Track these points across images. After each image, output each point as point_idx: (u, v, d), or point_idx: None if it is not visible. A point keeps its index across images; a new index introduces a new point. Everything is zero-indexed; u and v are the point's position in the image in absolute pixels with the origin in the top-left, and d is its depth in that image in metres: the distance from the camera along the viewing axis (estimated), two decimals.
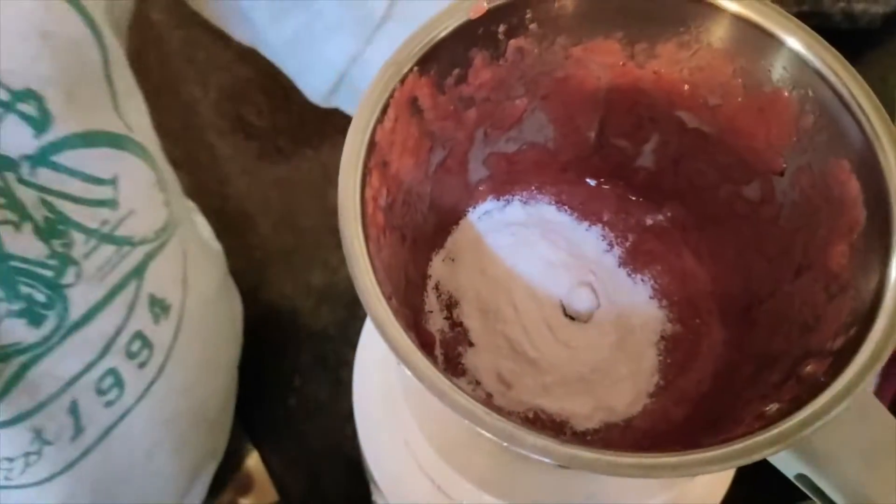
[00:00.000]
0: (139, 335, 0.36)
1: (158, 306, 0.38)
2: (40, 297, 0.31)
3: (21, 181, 0.28)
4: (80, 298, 0.32)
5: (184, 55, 0.68)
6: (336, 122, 0.64)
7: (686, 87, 0.28)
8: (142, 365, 0.37)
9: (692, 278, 0.31)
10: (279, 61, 0.42)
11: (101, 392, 0.35)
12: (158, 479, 0.43)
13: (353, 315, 0.57)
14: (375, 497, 0.41)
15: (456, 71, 0.27)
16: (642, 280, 0.32)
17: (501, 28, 0.27)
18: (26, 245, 0.29)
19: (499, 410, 0.29)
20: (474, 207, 0.33)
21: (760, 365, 0.27)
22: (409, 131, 0.27)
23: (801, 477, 0.22)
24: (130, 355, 0.36)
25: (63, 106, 0.29)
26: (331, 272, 0.59)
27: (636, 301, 0.31)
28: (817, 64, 0.24)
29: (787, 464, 0.22)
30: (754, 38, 0.25)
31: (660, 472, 0.20)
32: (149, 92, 0.68)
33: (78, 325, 0.33)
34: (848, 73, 0.23)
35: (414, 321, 0.30)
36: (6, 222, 0.28)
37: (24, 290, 0.30)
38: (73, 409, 0.35)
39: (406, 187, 0.28)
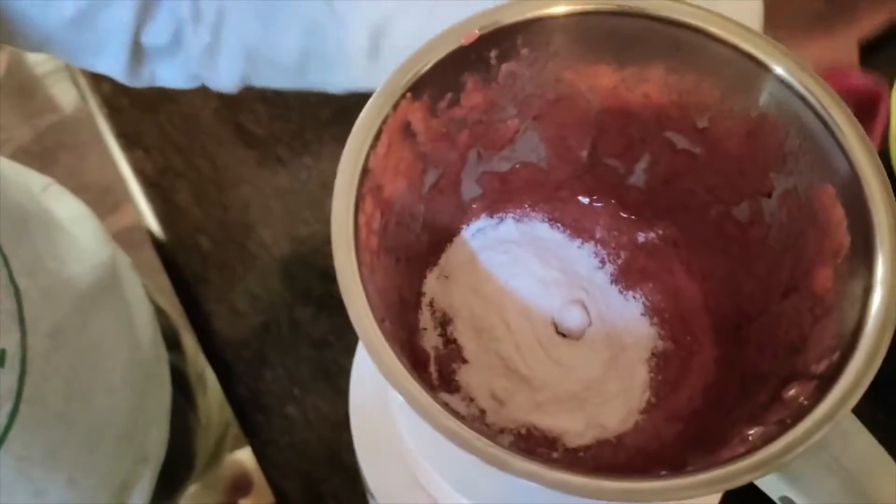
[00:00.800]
0: None
1: None
2: None
3: None
4: None
5: None
6: (333, 132, 0.65)
7: (675, 109, 0.28)
8: None
9: (683, 296, 0.32)
10: (74, 55, 0.38)
11: None
12: None
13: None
14: None
15: (448, 95, 0.27)
16: (634, 297, 0.32)
17: (493, 53, 0.27)
18: None
19: (491, 428, 0.30)
20: (468, 225, 0.33)
21: (749, 384, 0.27)
22: (402, 155, 0.27)
23: (785, 499, 0.22)
24: None
25: None
26: (330, 281, 0.59)
27: (628, 318, 0.32)
28: (802, 91, 0.24)
29: (772, 486, 0.22)
30: (742, 65, 0.25)
31: (646, 496, 0.20)
32: (150, 102, 0.68)
33: None
34: (832, 100, 0.24)
35: (408, 339, 0.31)
36: None
37: None
38: None
39: (399, 209, 0.28)
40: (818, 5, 0.45)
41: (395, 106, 0.25)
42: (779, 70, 0.25)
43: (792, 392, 0.23)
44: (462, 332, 0.31)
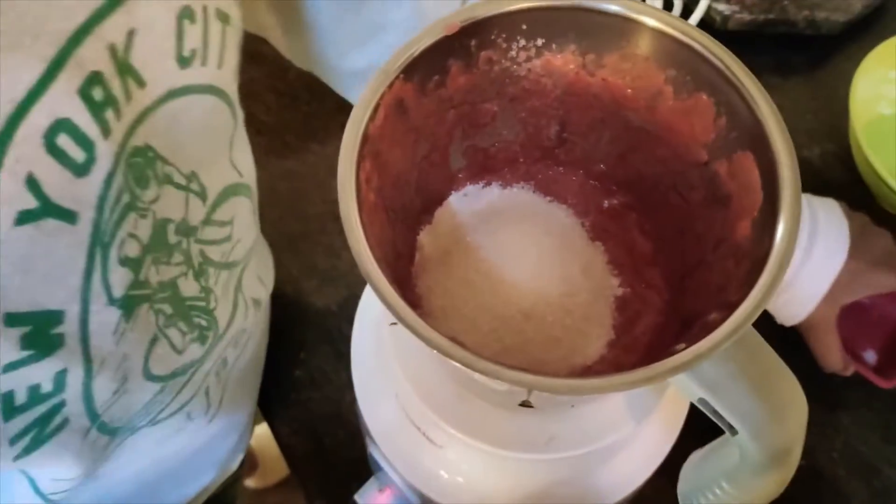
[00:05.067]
0: (243, 331, 0.47)
1: (254, 306, 0.48)
2: (203, 323, 0.40)
3: (197, 241, 0.37)
4: (221, 317, 0.42)
5: None
6: (340, 120, 0.70)
7: (629, 91, 0.34)
8: (237, 344, 0.48)
9: (639, 252, 0.37)
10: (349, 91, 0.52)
11: (217, 376, 0.46)
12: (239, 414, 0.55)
13: (354, 294, 0.63)
14: (371, 449, 0.46)
15: (436, 77, 0.33)
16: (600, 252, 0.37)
17: (473, 42, 0.32)
18: (189, 287, 0.38)
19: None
20: (456, 190, 0.38)
21: (687, 322, 0.32)
22: (396, 127, 0.32)
23: (702, 401, 0.28)
24: (236, 345, 0.47)
25: (207, 174, 0.36)
26: (334, 256, 0.65)
27: (595, 269, 0.37)
28: (731, 77, 0.29)
29: (691, 390, 0.27)
30: (672, 49, 0.31)
31: (587, 389, 0.25)
32: None
33: (222, 336, 0.43)
34: (754, 85, 0.29)
35: (402, 289, 0.36)
36: (182, 275, 0.36)
37: (196, 321, 0.39)
38: (206, 392, 0.46)
39: (395, 174, 0.33)
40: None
41: (391, 85, 0.31)
42: (714, 60, 0.30)
43: (712, 317, 0.28)
44: (448, 279, 0.37)
